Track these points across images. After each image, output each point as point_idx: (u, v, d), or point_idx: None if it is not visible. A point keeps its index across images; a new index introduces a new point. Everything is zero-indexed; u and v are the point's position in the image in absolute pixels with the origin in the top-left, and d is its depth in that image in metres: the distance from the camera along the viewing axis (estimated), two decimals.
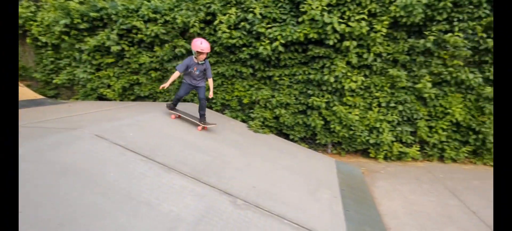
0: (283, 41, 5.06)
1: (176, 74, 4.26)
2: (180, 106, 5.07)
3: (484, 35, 4.58)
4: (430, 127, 5.17)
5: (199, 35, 5.62)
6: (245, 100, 5.70)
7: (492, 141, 4.86)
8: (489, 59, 4.73)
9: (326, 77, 5.06)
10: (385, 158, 5.36)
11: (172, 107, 4.66)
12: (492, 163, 5.08)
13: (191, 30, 5.55)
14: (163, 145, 3.65)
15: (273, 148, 4.90)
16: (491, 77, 4.73)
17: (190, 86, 4.43)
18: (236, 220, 2.63)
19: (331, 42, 4.85)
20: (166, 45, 5.81)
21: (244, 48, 5.43)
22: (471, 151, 5.17)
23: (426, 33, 4.72)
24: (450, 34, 4.58)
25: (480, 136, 4.93)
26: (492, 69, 4.73)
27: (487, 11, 4.49)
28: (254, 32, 5.27)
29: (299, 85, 5.46)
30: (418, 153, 5.23)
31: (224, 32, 5.27)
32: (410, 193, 4.18)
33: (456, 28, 4.58)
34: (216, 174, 3.33)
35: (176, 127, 4.44)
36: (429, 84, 4.86)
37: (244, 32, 5.35)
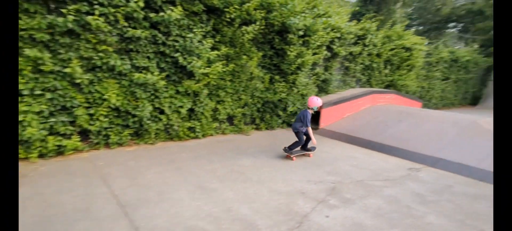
0: None
1: (310, 128, 5.29)
2: None
3: (126, 24, 4.84)
4: (91, 115, 4.93)
5: None
6: None
7: (147, 122, 5.43)
8: (133, 47, 5.11)
9: None
10: (41, 155, 4.51)
11: (293, 151, 5.42)
12: (152, 142, 5.74)
13: None
14: None
15: None
16: (138, 64, 5.19)
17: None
18: None
19: None
20: None
21: None
22: (133, 133, 5.53)
23: (65, 11, 4.24)
24: (92, 17, 4.40)
25: (137, 119, 5.35)
26: (138, 57, 5.19)
27: (124, 1, 4.72)
28: None
29: None
30: (80, 143, 4.85)
31: None
32: (54, 194, 3.63)
33: (97, 12, 4.46)
34: None
35: None
36: (80, 69, 4.52)
37: None
